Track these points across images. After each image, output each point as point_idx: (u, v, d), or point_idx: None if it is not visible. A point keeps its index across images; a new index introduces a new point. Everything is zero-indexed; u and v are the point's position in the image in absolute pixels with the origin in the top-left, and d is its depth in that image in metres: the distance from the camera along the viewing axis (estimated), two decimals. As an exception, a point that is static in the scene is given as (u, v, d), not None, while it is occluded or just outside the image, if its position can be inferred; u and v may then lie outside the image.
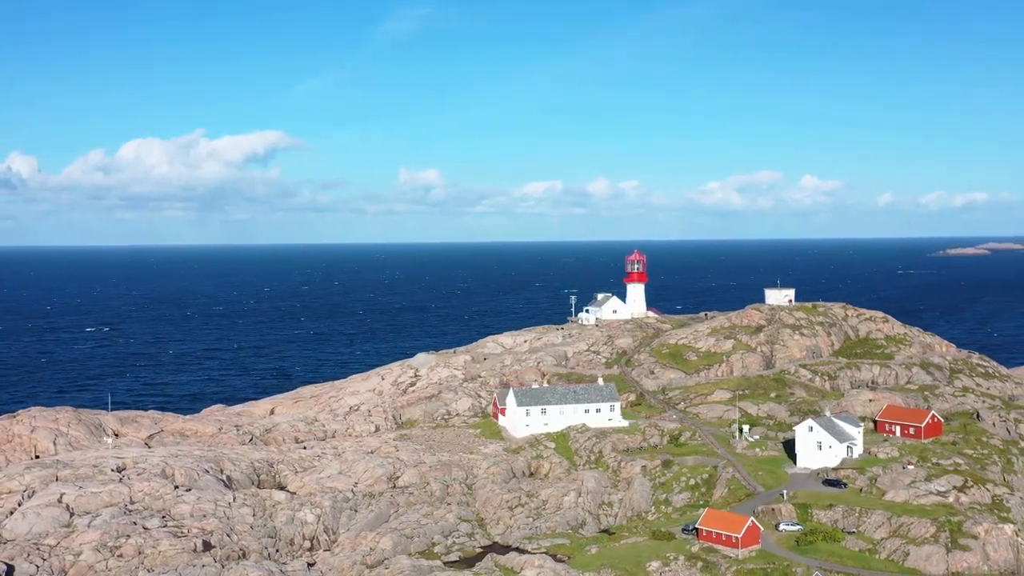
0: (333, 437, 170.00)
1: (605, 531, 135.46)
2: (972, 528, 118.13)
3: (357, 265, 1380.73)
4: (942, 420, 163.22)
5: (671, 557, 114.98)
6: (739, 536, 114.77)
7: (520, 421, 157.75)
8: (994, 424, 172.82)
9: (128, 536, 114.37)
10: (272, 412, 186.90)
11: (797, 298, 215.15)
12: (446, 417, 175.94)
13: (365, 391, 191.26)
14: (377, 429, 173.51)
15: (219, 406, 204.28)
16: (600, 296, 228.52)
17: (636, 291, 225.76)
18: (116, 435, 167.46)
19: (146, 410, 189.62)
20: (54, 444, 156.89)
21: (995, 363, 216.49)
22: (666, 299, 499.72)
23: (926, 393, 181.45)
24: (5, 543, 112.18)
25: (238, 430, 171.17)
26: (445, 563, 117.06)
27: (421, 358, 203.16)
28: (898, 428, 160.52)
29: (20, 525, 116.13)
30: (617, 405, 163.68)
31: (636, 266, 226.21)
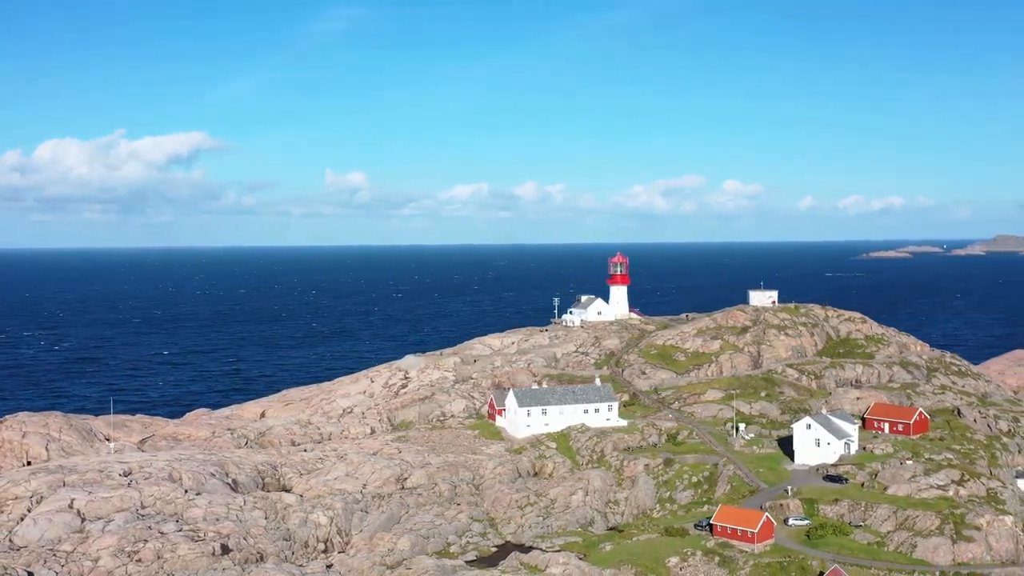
0: (329, 440, 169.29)
1: (613, 529, 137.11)
2: (974, 520, 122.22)
3: (288, 268, 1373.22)
4: (928, 417, 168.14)
5: (688, 553, 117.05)
6: (755, 531, 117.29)
7: (521, 422, 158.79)
8: (975, 420, 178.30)
9: (145, 541, 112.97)
10: (263, 415, 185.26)
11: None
12: (441, 419, 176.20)
13: (356, 393, 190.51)
14: (372, 431, 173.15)
15: (204, 410, 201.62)
16: (584, 298, 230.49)
17: (619, 293, 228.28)
18: (108, 439, 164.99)
19: (133, 415, 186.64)
20: (46, 449, 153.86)
21: (966, 362, 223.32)
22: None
23: (908, 391, 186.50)
24: (18, 549, 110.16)
25: (232, 434, 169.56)
26: (466, 563, 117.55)
27: (410, 360, 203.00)
28: (887, 425, 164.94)
29: (32, 531, 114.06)
30: (615, 405, 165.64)
31: (619, 268, 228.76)
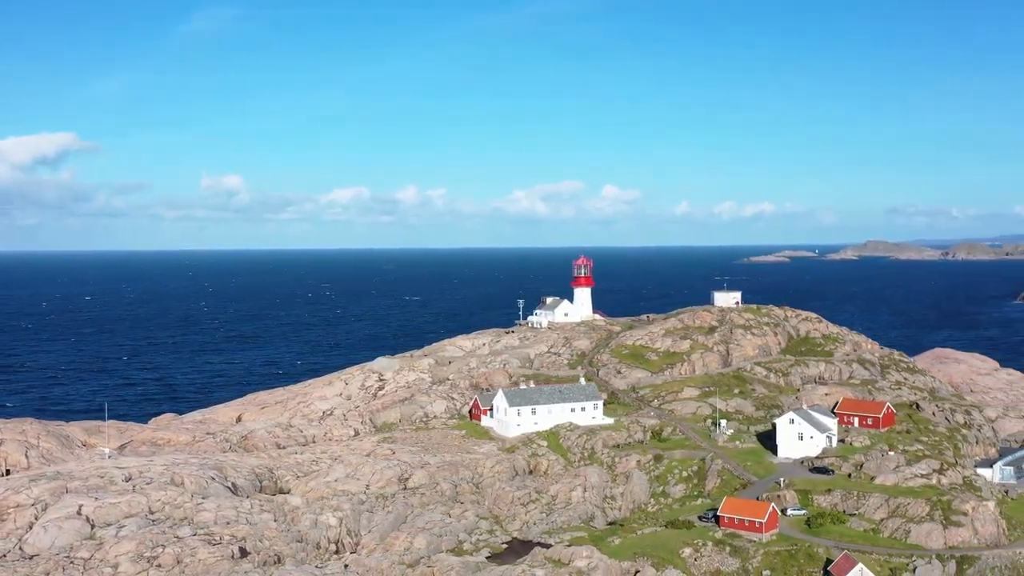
0: (314, 442, 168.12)
1: (612, 523, 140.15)
2: (960, 506, 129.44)
3: (160, 272, 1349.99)
4: (894, 411, 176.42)
5: (699, 544, 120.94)
6: (764, 521, 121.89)
7: (512, 421, 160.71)
8: (933, 414, 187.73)
9: (163, 545, 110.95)
10: (239, 419, 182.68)
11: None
12: (424, 420, 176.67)
13: (333, 396, 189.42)
14: (356, 433, 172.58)
15: (171, 415, 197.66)
16: (549, 300, 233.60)
17: (583, 294, 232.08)
18: (84, 445, 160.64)
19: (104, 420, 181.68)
20: (26, 457, 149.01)
21: (911, 359, 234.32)
22: (498, 307, 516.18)
23: (868, 387, 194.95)
24: (31, 558, 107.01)
25: (214, 437, 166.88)
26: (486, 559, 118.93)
27: (383, 362, 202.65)
28: (856, 419, 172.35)
29: (42, 539, 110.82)
30: (600, 403, 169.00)
31: (583, 270, 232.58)
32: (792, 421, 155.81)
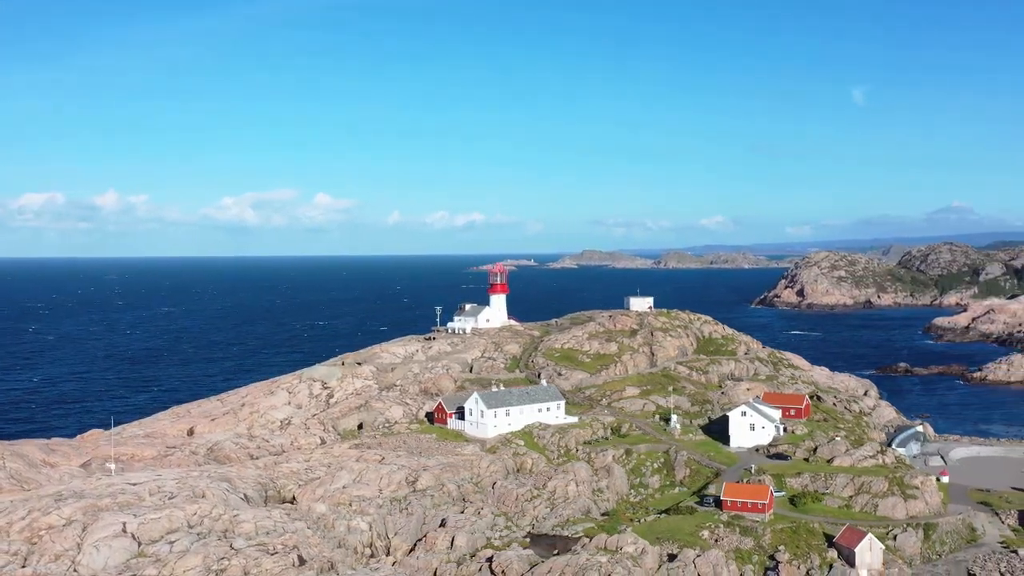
0: (283, 452, 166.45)
1: (605, 514, 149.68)
2: (911, 481, 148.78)
3: None
4: (810, 402, 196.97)
5: (712, 526, 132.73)
6: (766, 502, 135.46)
7: (490, 423, 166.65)
8: (834, 404, 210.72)
9: (225, 558, 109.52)
10: (191, 432, 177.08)
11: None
12: (387, 425, 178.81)
13: (282, 405, 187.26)
14: (323, 441, 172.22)
15: (97, 430, 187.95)
16: (468, 306, 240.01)
17: (499, 301, 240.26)
18: (47, 464, 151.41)
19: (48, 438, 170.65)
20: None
21: (788, 355, 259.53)
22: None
23: (774, 382, 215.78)
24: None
25: (180, 451, 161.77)
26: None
27: (323, 370, 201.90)
28: (780, 411, 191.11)
29: (96, 559, 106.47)
30: (563, 404, 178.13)
31: (499, 278, 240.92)
32: (744, 413, 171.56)
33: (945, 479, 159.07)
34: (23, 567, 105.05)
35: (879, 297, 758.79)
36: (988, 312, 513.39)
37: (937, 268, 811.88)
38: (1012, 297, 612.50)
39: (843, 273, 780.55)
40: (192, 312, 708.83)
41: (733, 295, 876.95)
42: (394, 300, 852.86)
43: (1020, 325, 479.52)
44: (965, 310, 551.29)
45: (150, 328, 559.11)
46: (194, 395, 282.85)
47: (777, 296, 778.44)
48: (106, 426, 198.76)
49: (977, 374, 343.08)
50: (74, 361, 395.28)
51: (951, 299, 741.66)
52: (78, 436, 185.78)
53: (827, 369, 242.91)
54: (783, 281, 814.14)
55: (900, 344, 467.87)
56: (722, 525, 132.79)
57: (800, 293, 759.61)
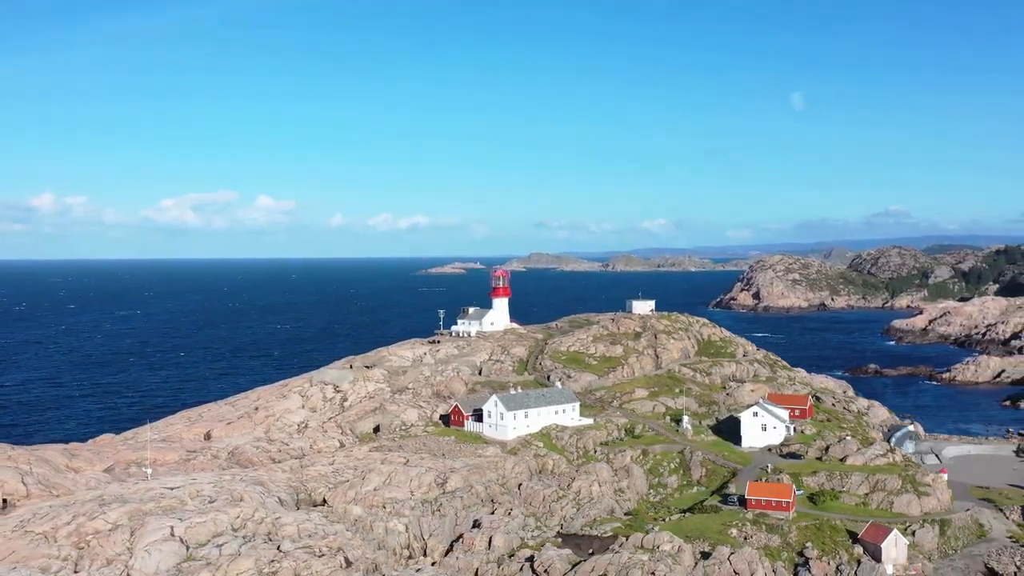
0: (305, 455, 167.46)
1: (628, 514, 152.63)
2: (922, 479, 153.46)
3: None
4: (813, 403, 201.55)
5: (740, 524, 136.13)
6: (790, 501, 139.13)
7: (510, 424, 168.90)
8: (833, 404, 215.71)
9: (275, 560, 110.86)
10: (208, 436, 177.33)
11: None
12: (403, 428, 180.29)
13: (296, 408, 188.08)
14: (341, 444, 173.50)
15: (109, 435, 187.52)
16: (471, 310, 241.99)
17: (502, 304, 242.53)
18: (71, 469, 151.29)
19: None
20: (24, 484, 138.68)
21: (779, 358, 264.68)
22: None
23: (773, 383, 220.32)
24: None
25: (202, 455, 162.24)
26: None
27: (334, 373, 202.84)
28: (788, 411, 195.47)
29: (148, 563, 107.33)
30: (577, 405, 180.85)
31: (501, 281, 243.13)
32: (756, 413, 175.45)
33: (945, 477, 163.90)
34: (75, 572, 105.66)
35: (832, 300, 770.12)
36: (944, 315, 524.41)
37: (887, 271, 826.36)
38: (963, 300, 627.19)
39: (797, 276, 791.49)
40: (150, 315, 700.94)
41: (687, 297, 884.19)
42: (350, 303, 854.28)
43: (976, 327, 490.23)
44: (920, 313, 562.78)
45: (111, 332, 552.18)
46: (177, 400, 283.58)
47: (733, 299, 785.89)
48: (109, 431, 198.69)
49: (946, 375, 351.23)
50: (43, 367, 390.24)
51: (902, 301, 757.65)
52: (90, 440, 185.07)
53: (803, 371, 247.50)
54: (739, 284, 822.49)
55: (862, 346, 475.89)
56: (748, 523, 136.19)
57: (756, 296, 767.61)
